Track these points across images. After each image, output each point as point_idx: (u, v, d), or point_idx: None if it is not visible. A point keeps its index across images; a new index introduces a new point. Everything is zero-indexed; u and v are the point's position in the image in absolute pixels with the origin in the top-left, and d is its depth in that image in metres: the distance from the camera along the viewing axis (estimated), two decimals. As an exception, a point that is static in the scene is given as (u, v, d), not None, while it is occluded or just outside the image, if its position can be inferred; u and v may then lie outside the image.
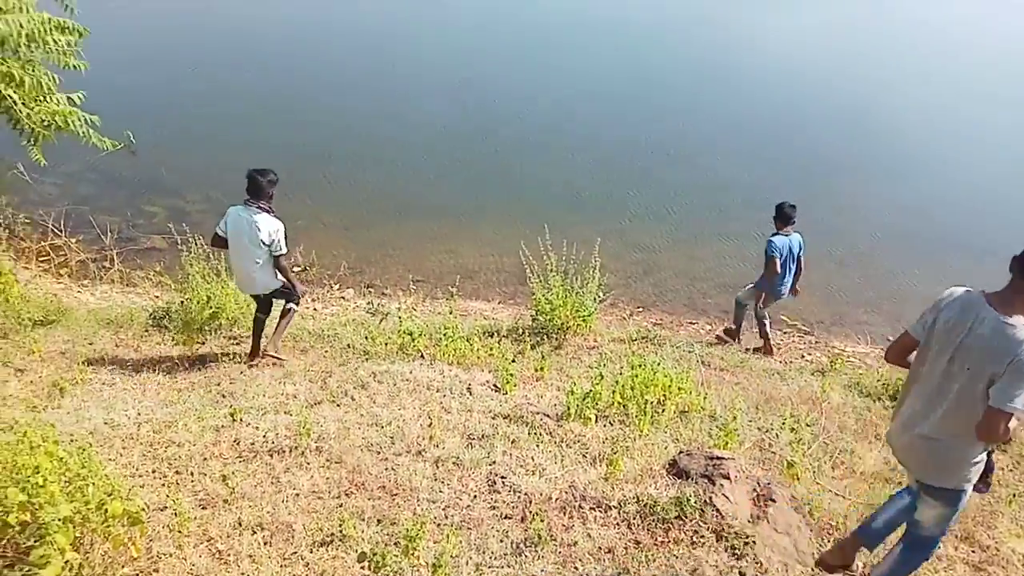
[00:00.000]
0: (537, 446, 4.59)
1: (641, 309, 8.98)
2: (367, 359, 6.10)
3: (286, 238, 5.66)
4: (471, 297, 8.73)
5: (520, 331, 7.17)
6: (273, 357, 5.96)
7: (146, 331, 6.48)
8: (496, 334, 7.00)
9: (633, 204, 10.94)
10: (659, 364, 5.66)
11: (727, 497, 3.86)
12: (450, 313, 6.85)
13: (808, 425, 5.47)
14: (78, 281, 7.91)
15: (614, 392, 5.26)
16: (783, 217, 6.98)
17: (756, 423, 5.41)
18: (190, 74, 14.43)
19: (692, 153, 12.78)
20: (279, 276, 5.77)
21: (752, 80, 16.56)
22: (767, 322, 7.54)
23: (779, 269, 6.96)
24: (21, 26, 6.59)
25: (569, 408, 5.00)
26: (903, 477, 4.27)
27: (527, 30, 18.87)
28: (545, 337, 7.03)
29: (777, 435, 5.14)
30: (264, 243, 5.50)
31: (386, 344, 6.42)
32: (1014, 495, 4.87)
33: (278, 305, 6.05)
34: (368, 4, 19.96)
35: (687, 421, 5.24)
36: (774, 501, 3.94)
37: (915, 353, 3.33)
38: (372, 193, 10.85)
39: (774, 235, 7.01)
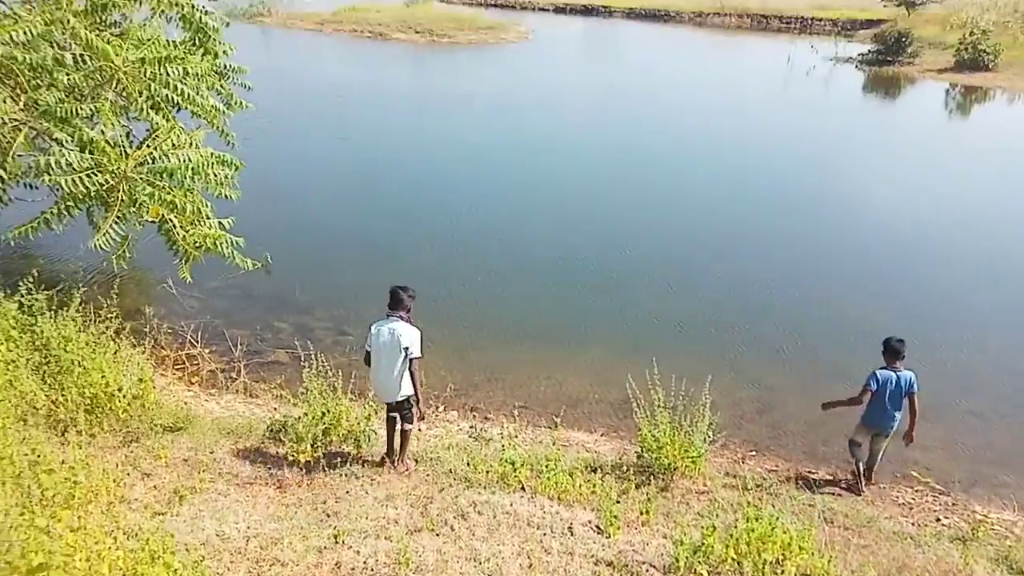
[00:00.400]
0: (643, 600, 4.32)
1: (755, 453, 8.48)
2: (468, 487, 6.06)
3: (422, 345, 6.14)
4: (574, 427, 8.57)
5: (624, 468, 6.94)
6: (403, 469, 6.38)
7: (263, 443, 6.75)
8: (599, 469, 6.80)
9: (747, 339, 10.63)
10: (777, 518, 5.29)
11: None
12: (552, 444, 6.75)
13: (951, 604, 4.89)
14: (207, 390, 8.43)
15: (727, 546, 4.93)
16: (892, 352, 6.92)
17: (889, 596, 4.88)
18: (322, 202, 15.74)
19: (810, 286, 12.41)
20: (411, 383, 6.18)
21: (870, 208, 16.16)
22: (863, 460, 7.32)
23: (868, 401, 6.94)
24: (189, 160, 7.50)
25: (678, 560, 4.73)
26: None
27: (643, 161, 19.47)
28: (651, 477, 6.76)
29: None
30: (402, 348, 6.01)
31: (487, 472, 6.37)
32: None
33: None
34: (490, 132, 21.38)
35: (809, 587, 4.80)
36: None
37: None
38: (482, 315, 11.13)
39: (881, 368, 6.92)
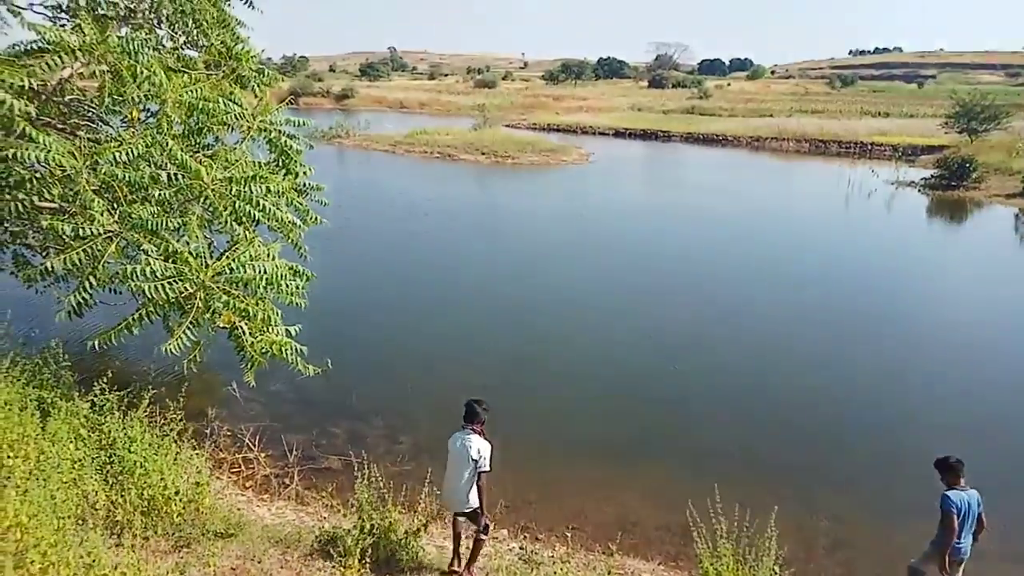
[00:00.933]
0: None
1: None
2: (517, 613, 5.77)
3: (491, 460, 6.38)
4: (629, 553, 8.14)
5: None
6: None
7: (311, 554, 6.64)
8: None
9: (817, 468, 10.12)
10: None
11: None
12: (609, 574, 6.42)
13: None
14: (260, 495, 8.44)
15: None
16: (952, 471, 6.61)
17: None
18: (382, 308, 16.18)
19: (884, 416, 11.81)
20: (478, 496, 6.41)
21: (949, 334, 15.54)
22: None
23: (957, 527, 6.43)
24: (265, 271, 7.88)
25: None
26: None
27: (710, 278, 19.45)
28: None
29: None
30: (473, 459, 6.27)
31: (537, 601, 6.07)
32: None
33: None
34: (549, 247, 21.85)
35: None
36: None
37: None
38: (538, 428, 10.97)
39: (949, 490, 6.54)
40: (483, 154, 40.85)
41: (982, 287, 19.61)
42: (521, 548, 7.80)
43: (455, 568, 6.82)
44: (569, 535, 8.45)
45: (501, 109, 67.70)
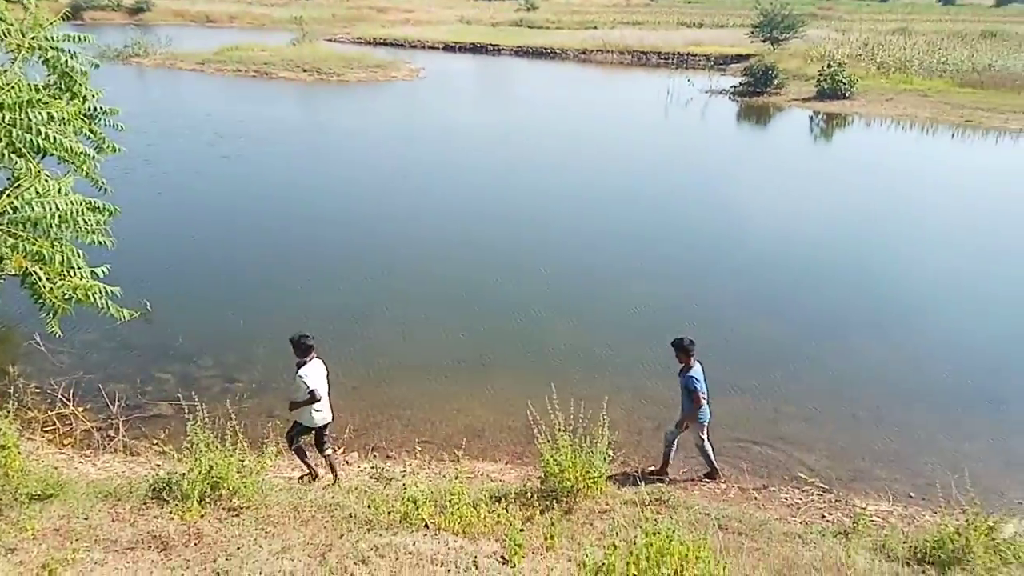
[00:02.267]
0: (547, 626, 4.32)
1: (653, 467, 8.72)
2: (369, 530, 5.91)
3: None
4: (478, 458, 8.54)
5: (529, 495, 6.96)
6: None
7: (144, 504, 6.32)
8: (504, 498, 6.79)
9: (643, 359, 10.96)
10: (674, 531, 5.44)
11: None
12: (455, 477, 6.70)
13: (835, 596, 5.16)
14: (81, 451, 7.83)
15: (628, 564, 5.02)
16: (685, 351, 7.70)
17: (780, 595, 5.10)
18: (206, 243, 15.15)
19: (707, 310, 12.91)
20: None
21: (759, 240, 17.12)
22: (673, 450, 8.15)
23: (703, 400, 7.68)
24: (56, 208, 7.04)
25: (580, 582, 4.76)
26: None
27: (542, 191, 19.90)
28: (554, 501, 6.81)
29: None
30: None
31: (389, 513, 6.23)
32: None
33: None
34: (382, 167, 21.28)
35: (713, 595, 4.95)
36: None
37: None
38: (379, 351, 10.98)
39: (688, 370, 7.67)
40: (305, 71, 38.35)
41: (782, 182, 21.69)
42: (373, 467, 7.91)
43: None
44: (419, 449, 8.69)
45: (321, 22, 63.42)
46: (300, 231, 16.13)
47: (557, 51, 52.71)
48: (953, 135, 28.12)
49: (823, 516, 7.72)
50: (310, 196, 18.95)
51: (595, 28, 63.01)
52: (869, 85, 35.14)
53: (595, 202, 19.26)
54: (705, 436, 8.02)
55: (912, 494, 8.23)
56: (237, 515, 6.21)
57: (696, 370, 7.74)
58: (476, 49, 54.86)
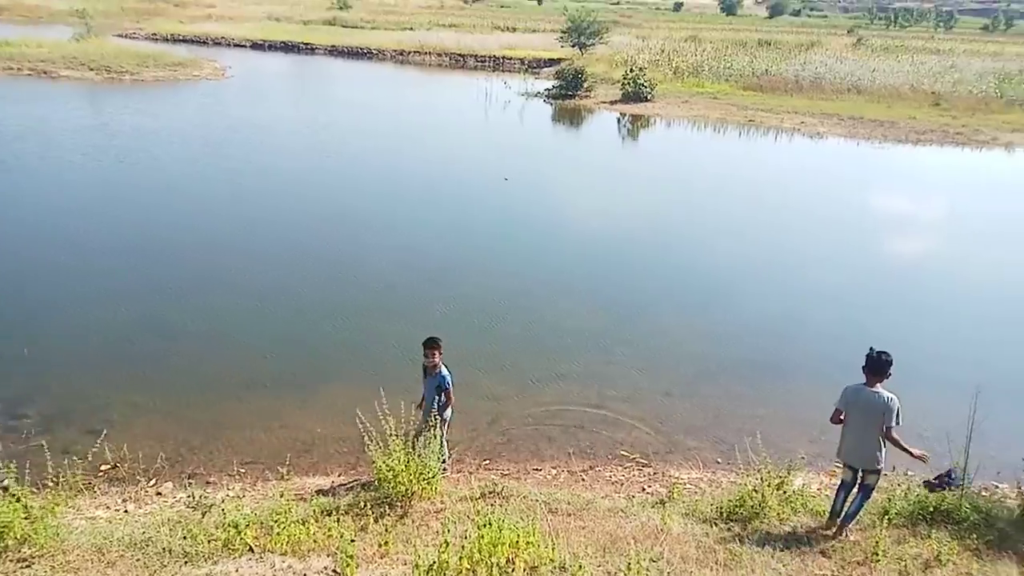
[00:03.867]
0: (381, 634, 4.25)
1: (488, 461, 8.89)
2: (187, 562, 5.48)
3: None
4: (308, 473, 8.22)
5: (362, 504, 6.80)
6: None
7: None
8: (335, 511, 6.59)
9: (471, 354, 11.11)
10: (504, 520, 5.58)
11: (580, 656, 3.74)
12: (281, 496, 6.39)
13: (653, 560, 5.56)
14: None
15: (461, 558, 5.07)
16: (437, 347, 7.55)
17: (603, 567, 5.40)
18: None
19: (533, 301, 13.35)
20: None
21: (577, 232, 17.97)
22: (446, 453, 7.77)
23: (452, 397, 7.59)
24: None
25: (415, 584, 4.74)
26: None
27: (367, 193, 19.50)
28: (389, 507, 6.72)
29: (623, 577, 5.15)
30: None
31: (209, 541, 5.82)
32: None
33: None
34: (175, 171, 19.81)
35: (537, 577, 5.13)
36: (626, 651, 3.87)
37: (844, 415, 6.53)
38: (191, 369, 10.24)
39: (435, 369, 7.53)
40: (92, 69, 34.74)
41: (598, 177, 22.98)
42: (189, 496, 7.34)
43: None
44: (242, 471, 8.21)
45: (109, 16, 57.89)
46: (93, 240, 14.61)
47: (374, 51, 52.07)
48: (740, 133, 31.32)
49: (643, 489, 8.29)
50: (107, 203, 17.21)
51: (411, 29, 62.99)
52: (667, 89, 38.24)
53: (418, 203, 19.25)
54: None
55: (719, 460, 9.06)
56: (28, 566, 5.50)
57: (444, 371, 7.58)
58: (288, 48, 52.80)
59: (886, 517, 6.77)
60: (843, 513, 6.60)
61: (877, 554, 6.01)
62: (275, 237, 15.93)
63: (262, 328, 11.66)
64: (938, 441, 8.19)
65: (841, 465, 6.83)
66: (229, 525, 5.84)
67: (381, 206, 18.78)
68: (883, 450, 6.36)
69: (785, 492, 7.16)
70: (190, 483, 7.65)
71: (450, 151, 25.73)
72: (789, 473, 7.22)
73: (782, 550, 6.14)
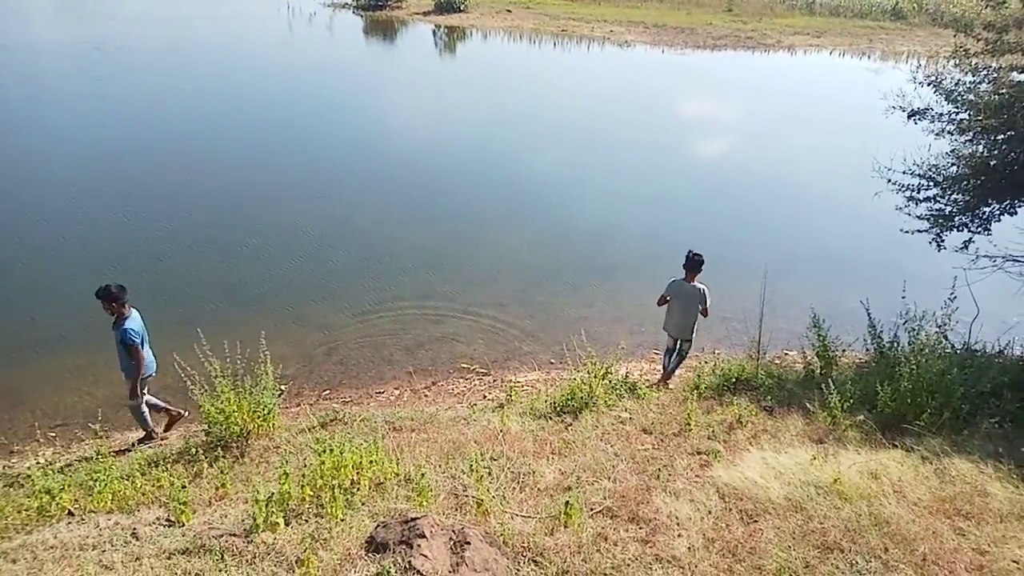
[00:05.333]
0: (224, 573, 4.17)
1: (329, 391, 8.78)
2: (-6, 539, 4.98)
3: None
4: (130, 427, 7.65)
5: (193, 451, 6.49)
6: None
7: None
8: (163, 462, 6.24)
9: (303, 286, 10.74)
10: (345, 443, 5.57)
11: (425, 556, 3.90)
12: (97, 454, 5.94)
13: (494, 459, 5.84)
14: None
15: (303, 486, 5.03)
16: (116, 298, 6.70)
17: (448, 473, 5.60)
18: None
19: (353, 223, 13.00)
20: None
21: (385, 150, 17.51)
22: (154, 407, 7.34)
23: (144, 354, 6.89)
24: None
25: (256, 519, 4.65)
26: (575, 483, 4.82)
27: (156, 118, 17.62)
28: (223, 450, 6.47)
29: (466, 478, 5.37)
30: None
31: (20, 512, 5.32)
32: (659, 469, 5.73)
33: None
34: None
35: (383, 492, 5.22)
36: (470, 543, 4.09)
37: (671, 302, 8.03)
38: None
39: (121, 320, 6.79)
40: None
41: (417, 92, 22.44)
42: (-10, 469, 6.62)
43: None
44: (53, 436, 7.51)
45: None
46: None
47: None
48: (555, 44, 31.69)
49: (484, 396, 8.61)
50: None
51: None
52: (481, 0, 37.60)
53: (229, 129, 17.82)
54: (146, 392, 7.16)
55: (552, 360, 9.57)
56: None
57: (133, 319, 6.85)
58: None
59: (696, 391, 7.57)
60: (668, 369, 8.44)
61: (689, 425, 6.71)
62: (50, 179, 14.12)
63: (51, 281, 10.44)
64: (738, 320, 9.19)
65: (667, 337, 8.42)
66: (41, 492, 5.35)
67: (179, 136, 17.16)
68: (695, 326, 8.13)
69: (611, 381, 7.74)
70: (-12, 456, 6.88)
71: (257, 71, 23.83)
72: (613, 364, 7.78)
73: (610, 432, 6.68)
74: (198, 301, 10.14)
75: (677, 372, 8.53)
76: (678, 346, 8.38)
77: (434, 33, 32.93)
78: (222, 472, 5.84)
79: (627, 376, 8.32)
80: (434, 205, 14.34)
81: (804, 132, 20.81)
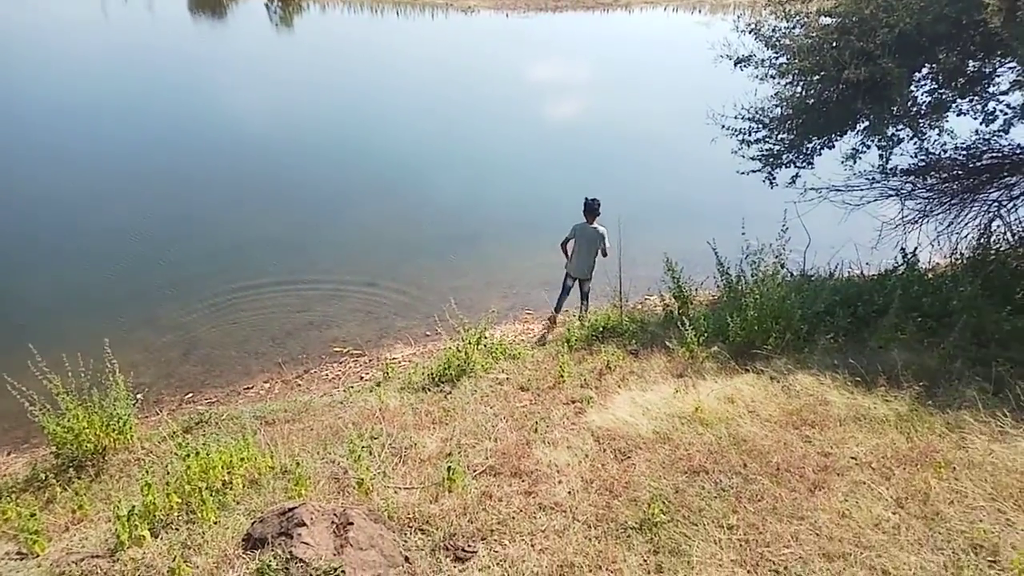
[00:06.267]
0: (88, 599, 3.88)
1: (191, 393, 8.29)
2: None
3: None
4: (-32, 461, 6.90)
5: (43, 476, 5.94)
6: None
7: None
8: (7, 492, 5.68)
9: (142, 285, 10.00)
10: (212, 444, 5.30)
11: (307, 543, 3.82)
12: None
13: (374, 438, 5.78)
14: None
15: (168, 495, 4.75)
16: None
17: (326, 458, 5.48)
18: None
19: (196, 213, 12.22)
20: None
21: (232, 135, 16.57)
22: None
23: None
24: None
25: (120, 535, 4.35)
26: (456, 448, 4.86)
27: None
28: (77, 470, 5.97)
29: (345, 461, 5.28)
30: None
31: None
32: (537, 422, 5.90)
33: None
34: None
35: (258, 488, 5.03)
36: (353, 523, 4.04)
37: (571, 244, 8.66)
38: None
39: None
40: None
41: (256, 73, 21.28)
42: None
43: None
44: None
45: None
46: None
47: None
48: (398, 13, 30.99)
49: (361, 377, 8.45)
50: None
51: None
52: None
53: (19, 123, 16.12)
54: None
55: (427, 333, 9.54)
56: None
57: None
58: None
59: (567, 344, 7.82)
60: (559, 308, 9.04)
61: (563, 376, 6.94)
62: None
63: None
64: (600, 273, 9.55)
65: (567, 275, 8.94)
66: None
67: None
68: (594, 265, 8.77)
69: (486, 346, 7.83)
70: None
71: (69, 60, 21.67)
72: (486, 328, 7.87)
73: (489, 395, 6.78)
74: (26, 313, 9.22)
75: (586, 311, 9.03)
76: (580, 286, 8.98)
77: (267, 7, 31.21)
78: (77, 494, 5.40)
79: (502, 339, 8.44)
80: (288, 190, 13.73)
81: (645, 86, 21.71)
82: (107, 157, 14.56)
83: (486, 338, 7.92)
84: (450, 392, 6.93)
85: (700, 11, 33.65)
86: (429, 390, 7.04)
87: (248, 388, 8.36)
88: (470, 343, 7.62)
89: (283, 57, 23.97)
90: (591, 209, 8.57)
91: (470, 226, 12.57)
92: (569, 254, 8.85)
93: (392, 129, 17.64)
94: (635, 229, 9.80)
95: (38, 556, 4.50)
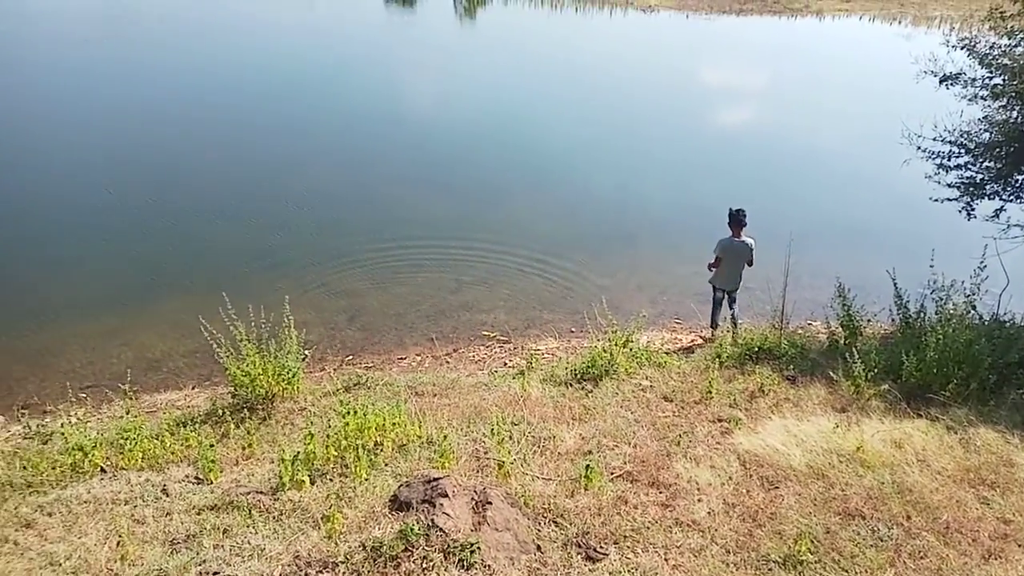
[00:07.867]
0: (252, 528, 4.27)
1: (351, 356, 8.87)
2: (31, 492, 5.14)
3: None
4: (159, 389, 7.82)
5: (221, 412, 6.62)
6: None
7: None
8: (191, 422, 6.37)
9: (324, 255, 10.81)
10: (369, 406, 5.64)
11: (448, 514, 3.97)
12: (127, 413, 6.07)
13: (515, 424, 5.89)
14: None
15: (328, 447, 5.11)
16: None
17: (469, 436, 5.66)
18: None
19: (373, 192, 13.04)
20: None
21: (409, 118, 17.45)
22: None
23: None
24: None
25: (282, 477, 4.75)
26: (595, 447, 4.85)
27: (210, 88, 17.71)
28: (250, 412, 6.58)
29: (487, 441, 5.43)
30: None
31: (54, 468, 5.47)
32: (680, 435, 5.74)
33: None
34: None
35: (406, 454, 5.29)
36: (491, 503, 4.14)
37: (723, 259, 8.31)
38: (16, 294, 9.26)
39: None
40: None
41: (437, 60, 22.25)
42: (25, 427, 6.80)
43: None
44: (84, 396, 7.68)
45: None
46: None
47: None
48: (576, 9, 31.23)
49: (505, 363, 8.64)
50: None
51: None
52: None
53: (247, 92, 17.84)
54: None
55: (573, 329, 9.57)
56: None
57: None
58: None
59: (718, 360, 7.54)
60: (716, 323, 8.86)
61: (710, 393, 6.71)
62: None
63: (79, 245, 10.61)
64: (761, 290, 9.10)
65: (714, 291, 8.73)
66: (74, 449, 5.49)
67: (227, 107, 17.22)
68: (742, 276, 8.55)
69: (632, 350, 7.74)
70: (23, 414, 7.06)
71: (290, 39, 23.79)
72: (634, 332, 7.76)
73: (630, 399, 6.70)
74: (220, 265, 10.28)
75: (739, 322, 8.75)
76: (729, 296, 8.74)
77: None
78: (248, 433, 5.95)
79: (648, 345, 8.30)
80: (456, 174, 14.30)
81: (832, 99, 20.37)
82: (306, 130, 15.87)
83: (632, 342, 7.82)
84: (591, 391, 6.92)
85: (900, 22, 31.07)
86: (571, 385, 7.07)
87: (401, 359, 8.81)
88: (616, 345, 7.56)
89: (465, 47, 24.89)
90: (737, 221, 8.24)
91: (626, 227, 12.45)
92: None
93: (560, 122, 17.81)
94: (805, 249, 9.26)
95: (212, 483, 5.00)
